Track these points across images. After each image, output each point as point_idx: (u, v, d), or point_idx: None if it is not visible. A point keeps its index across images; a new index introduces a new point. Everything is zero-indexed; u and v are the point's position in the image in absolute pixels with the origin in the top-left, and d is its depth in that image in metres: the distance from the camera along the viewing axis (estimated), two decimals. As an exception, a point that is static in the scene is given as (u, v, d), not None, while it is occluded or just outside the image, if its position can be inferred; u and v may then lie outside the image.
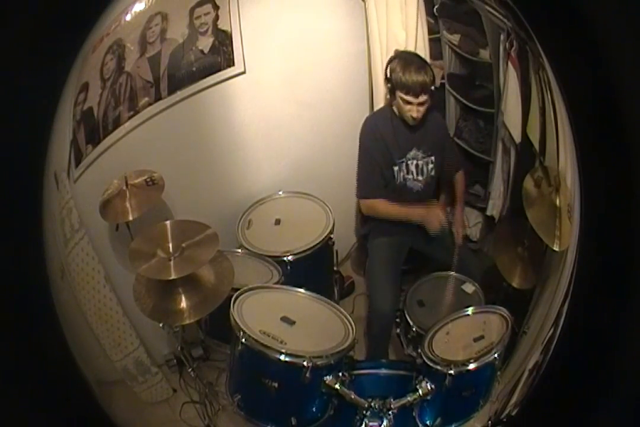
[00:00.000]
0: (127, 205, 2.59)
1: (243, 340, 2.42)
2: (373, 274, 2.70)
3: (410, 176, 2.64)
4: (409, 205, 2.64)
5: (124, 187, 2.58)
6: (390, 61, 2.55)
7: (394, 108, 2.60)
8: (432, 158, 2.64)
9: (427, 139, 2.64)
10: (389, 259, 2.71)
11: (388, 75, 2.55)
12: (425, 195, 2.68)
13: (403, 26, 2.56)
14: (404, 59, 2.54)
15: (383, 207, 2.67)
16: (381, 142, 2.62)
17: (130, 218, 2.59)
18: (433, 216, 2.64)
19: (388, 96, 2.61)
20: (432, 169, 2.65)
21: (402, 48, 2.56)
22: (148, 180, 2.60)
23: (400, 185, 2.65)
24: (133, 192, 2.59)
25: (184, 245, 2.48)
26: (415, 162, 2.62)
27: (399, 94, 2.54)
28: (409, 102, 2.55)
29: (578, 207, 2.65)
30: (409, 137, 2.62)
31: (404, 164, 2.62)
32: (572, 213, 2.63)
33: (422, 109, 2.56)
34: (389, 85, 2.56)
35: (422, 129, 2.62)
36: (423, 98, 2.53)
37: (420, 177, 2.64)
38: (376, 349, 2.66)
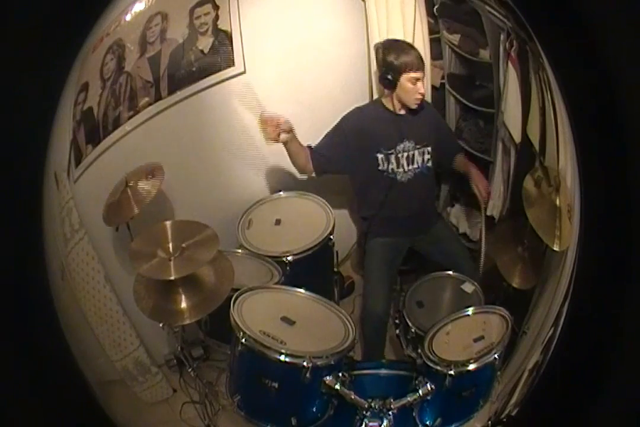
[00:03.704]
0: (132, 203, 2.58)
1: (243, 340, 2.42)
2: (368, 275, 2.71)
3: (400, 169, 2.63)
4: None
5: (125, 188, 2.58)
6: (384, 55, 2.55)
7: (385, 100, 2.61)
8: (428, 149, 2.64)
9: (419, 130, 2.64)
10: (385, 260, 2.70)
11: (387, 66, 2.55)
12: (415, 187, 2.67)
13: (403, 26, 2.56)
14: (393, 45, 2.55)
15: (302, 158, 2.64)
16: (364, 131, 2.61)
17: (136, 211, 2.58)
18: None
19: (386, 91, 2.60)
20: (428, 159, 2.64)
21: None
22: (148, 174, 2.59)
23: (387, 176, 2.63)
24: (134, 190, 2.58)
25: (184, 245, 2.48)
26: (406, 154, 2.62)
27: (406, 76, 2.55)
28: (417, 79, 2.56)
29: (578, 207, 2.65)
30: (398, 129, 2.62)
31: (394, 156, 2.62)
32: (572, 213, 2.63)
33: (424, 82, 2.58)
34: (389, 76, 2.56)
35: (412, 119, 2.63)
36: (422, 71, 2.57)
37: (410, 167, 2.64)
38: (370, 351, 2.66)
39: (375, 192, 2.66)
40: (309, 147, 2.62)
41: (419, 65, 2.55)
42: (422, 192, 2.72)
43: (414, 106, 2.60)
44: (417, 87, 2.57)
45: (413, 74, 2.55)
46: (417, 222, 2.74)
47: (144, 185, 2.58)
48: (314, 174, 2.65)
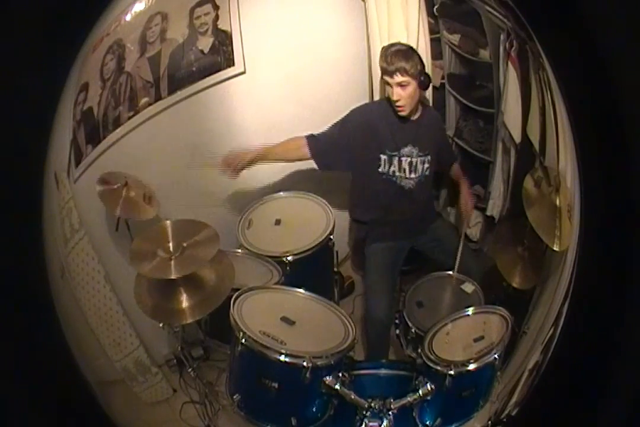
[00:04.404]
0: (119, 205, 2.58)
1: (243, 340, 2.42)
2: (369, 280, 2.70)
3: (401, 174, 2.62)
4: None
5: (122, 187, 2.58)
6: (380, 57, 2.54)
7: None
8: (429, 157, 2.62)
9: (424, 137, 2.62)
10: (385, 265, 2.70)
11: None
12: (416, 194, 2.66)
13: (404, 26, 2.56)
14: (386, 48, 2.53)
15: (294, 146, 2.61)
16: (370, 129, 2.59)
17: (117, 214, 2.58)
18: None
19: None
20: (427, 168, 2.63)
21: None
22: (145, 196, 2.59)
23: (387, 179, 2.63)
24: (127, 197, 2.58)
25: (184, 244, 2.48)
26: (409, 159, 2.61)
27: (384, 79, 2.52)
28: (388, 84, 2.52)
29: (578, 207, 2.65)
30: (405, 133, 2.60)
31: (397, 158, 2.60)
32: (572, 213, 2.63)
33: (401, 92, 2.51)
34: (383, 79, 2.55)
35: (419, 126, 2.61)
36: (399, 78, 2.49)
37: (412, 175, 2.63)
38: (375, 353, 2.66)
39: (374, 195, 2.66)
40: (311, 135, 2.59)
41: (387, 70, 2.49)
42: (422, 198, 2.71)
43: (397, 111, 2.56)
44: (390, 91, 2.52)
45: (385, 77, 2.51)
46: (417, 224, 2.74)
47: (137, 199, 2.58)
48: (312, 161, 2.62)
